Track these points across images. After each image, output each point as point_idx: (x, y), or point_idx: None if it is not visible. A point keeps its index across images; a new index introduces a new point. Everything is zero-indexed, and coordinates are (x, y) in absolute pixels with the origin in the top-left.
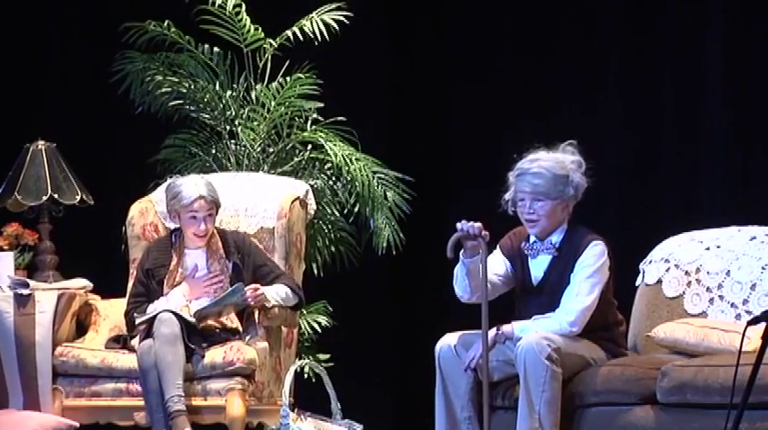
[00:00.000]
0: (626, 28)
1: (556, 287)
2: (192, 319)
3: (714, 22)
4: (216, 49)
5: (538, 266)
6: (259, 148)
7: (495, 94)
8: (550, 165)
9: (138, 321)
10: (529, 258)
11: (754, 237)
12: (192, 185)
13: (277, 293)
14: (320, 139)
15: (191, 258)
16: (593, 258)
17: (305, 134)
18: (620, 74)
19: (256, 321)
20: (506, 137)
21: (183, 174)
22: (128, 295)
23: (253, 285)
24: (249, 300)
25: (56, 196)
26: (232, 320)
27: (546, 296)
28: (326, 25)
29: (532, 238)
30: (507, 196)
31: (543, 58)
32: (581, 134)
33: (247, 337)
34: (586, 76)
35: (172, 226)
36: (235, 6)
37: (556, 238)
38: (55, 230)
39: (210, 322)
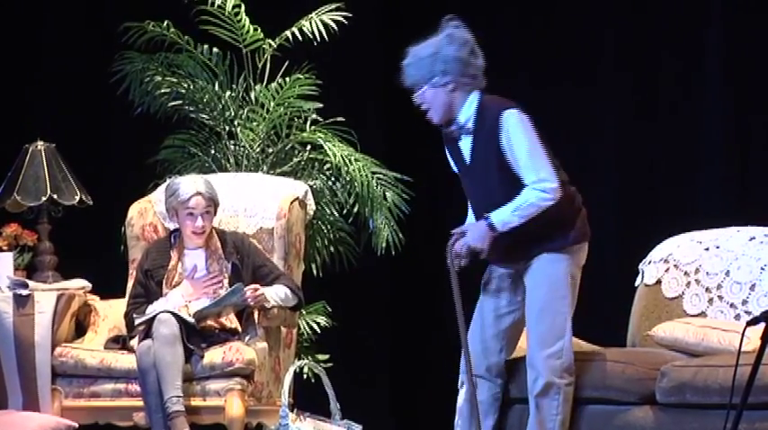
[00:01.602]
0: (622, 33)
1: (484, 164)
2: (192, 320)
3: (713, 21)
4: (215, 49)
5: (465, 147)
6: (258, 149)
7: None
8: (417, 49)
9: (137, 322)
10: (458, 142)
11: (753, 238)
12: (190, 182)
13: (276, 294)
14: (319, 140)
15: (190, 259)
16: (516, 127)
17: (304, 134)
18: (618, 73)
19: (256, 321)
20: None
21: (183, 174)
22: (127, 296)
23: (252, 285)
24: (249, 300)
25: (55, 197)
26: (231, 320)
27: (478, 175)
28: (325, 26)
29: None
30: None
31: (544, 60)
32: (580, 137)
33: (246, 338)
34: (584, 79)
35: (171, 226)
36: (234, 7)
37: (463, 118)
38: (54, 231)
39: (210, 322)
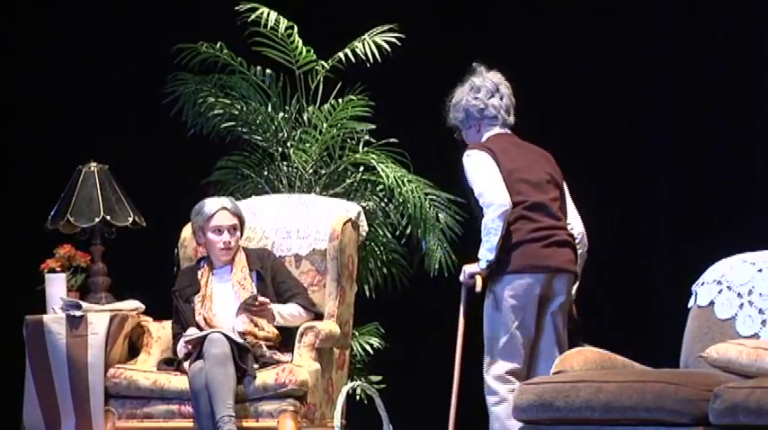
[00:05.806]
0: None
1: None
2: (242, 340)
3: None
4: (268, 70)
5: None
6: (311, 170)
7: (548, 119)
8: (450, 97)
9: (186, 338)
10: None
11: None
12: (214, 200)
13: (287, 312)
14: (372, 161)
15: (218, 277)
16: (469, 169)
17: (357, 156)
18: (672, 93)
19: (308, 342)
20: (558, 158)
21: (235, 195)
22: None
23: (265, 299)
24: (255, 307)
25: (108, 218)
26: (263, 327)
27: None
28: (378, 47)
29: None
30: None
31: (596, 81)
32: (631, 158)
33: (299, 359)
34: (638, 99)
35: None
36: (287, 28)
37: None
38: (107, 252)
39: (248, 328)
